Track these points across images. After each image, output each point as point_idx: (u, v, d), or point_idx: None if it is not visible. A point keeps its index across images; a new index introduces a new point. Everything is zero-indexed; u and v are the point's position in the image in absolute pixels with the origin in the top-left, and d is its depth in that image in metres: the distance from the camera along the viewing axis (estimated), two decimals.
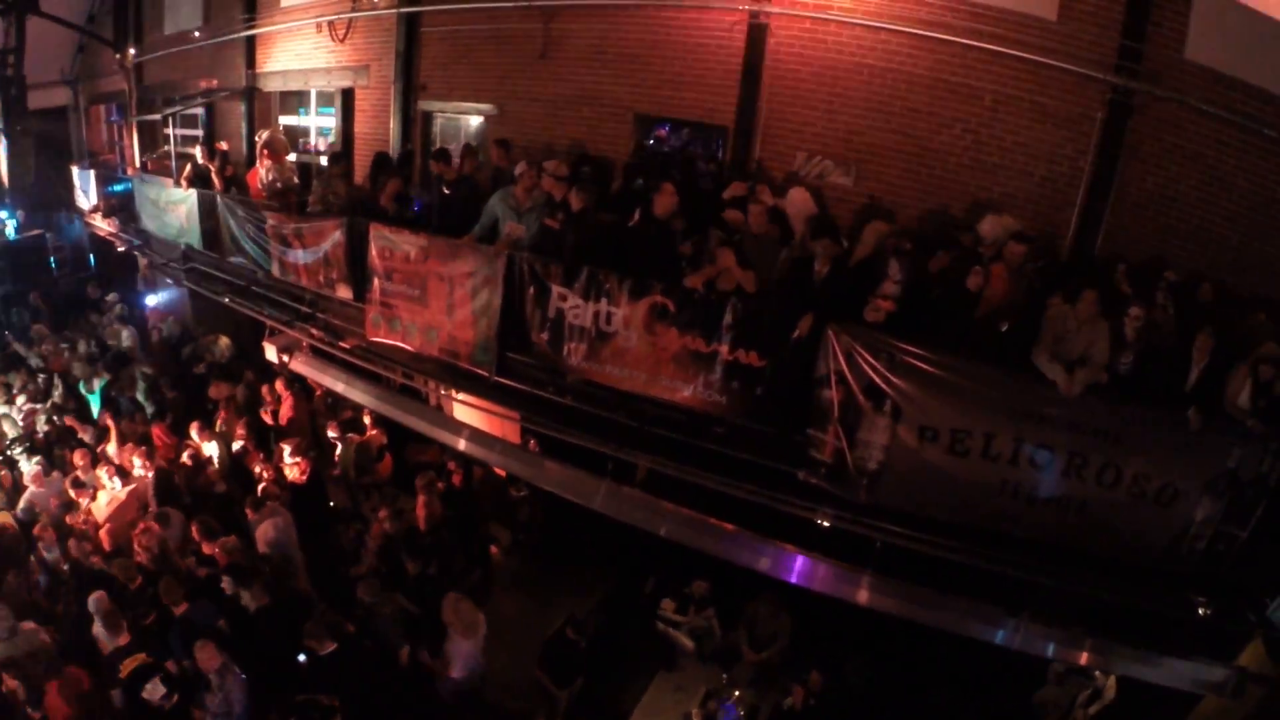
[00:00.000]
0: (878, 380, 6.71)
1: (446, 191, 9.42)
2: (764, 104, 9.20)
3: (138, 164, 15.96)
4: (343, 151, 12.38)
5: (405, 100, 11.87)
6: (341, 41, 12.66)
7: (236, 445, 11.28)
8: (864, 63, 8.78)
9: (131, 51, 15.97)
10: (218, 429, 11.71)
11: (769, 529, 7.53)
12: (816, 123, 9.07)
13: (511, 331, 8.69)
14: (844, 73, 8.86)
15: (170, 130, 16.06)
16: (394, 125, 12.06)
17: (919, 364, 6.57)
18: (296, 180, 12.30)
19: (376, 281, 9.47)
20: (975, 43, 8.39)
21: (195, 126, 15.89)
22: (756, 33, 9.03)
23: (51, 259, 17.18)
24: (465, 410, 9.78)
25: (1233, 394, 6.10)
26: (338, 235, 9.97)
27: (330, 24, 12.65)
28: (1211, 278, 7.87)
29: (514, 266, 8.44)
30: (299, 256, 10.70)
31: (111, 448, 11.25)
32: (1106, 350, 6.40)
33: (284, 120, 14.39)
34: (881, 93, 8.80)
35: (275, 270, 11.19)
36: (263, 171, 12.10)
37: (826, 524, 7.09)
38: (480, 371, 8.95)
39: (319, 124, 14.01)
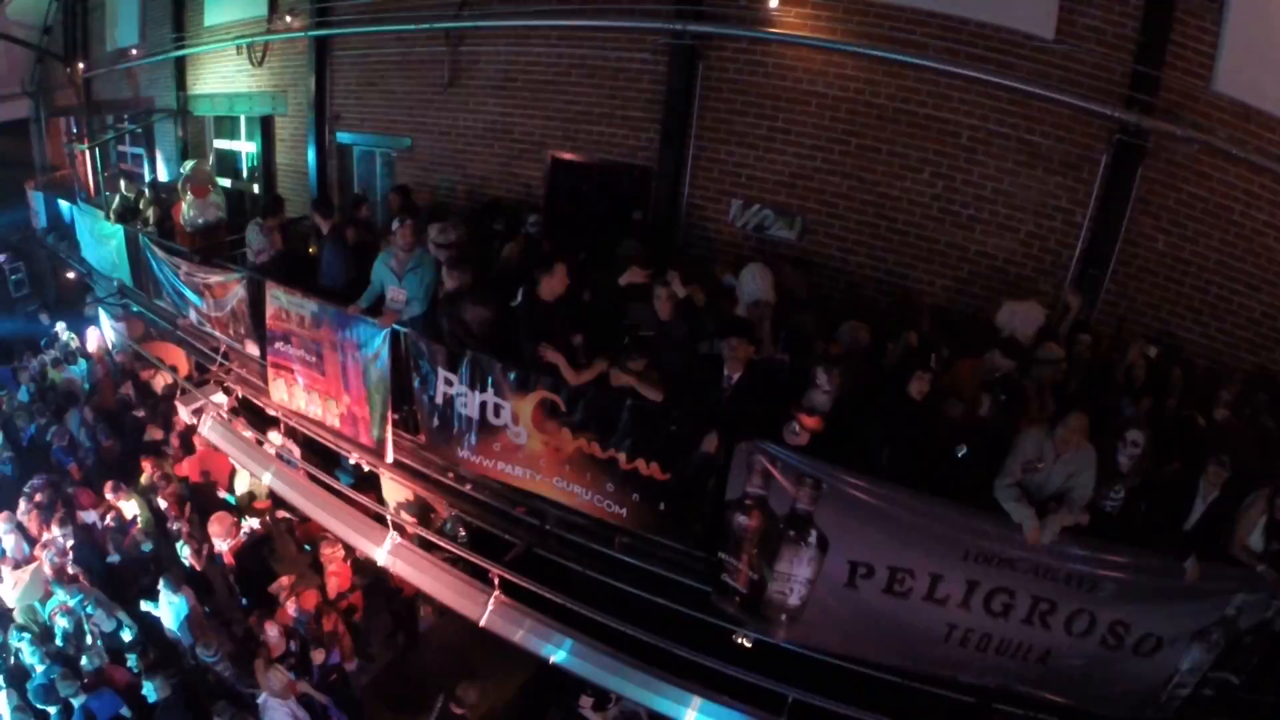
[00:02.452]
0: (801, 508, 4.83)
1: (334, 247, 6.93)
2: (693, 141, 6.62)
3: (90, 183, 13.44)
4: (271, 197, 9.75)
5: (319, 130, 9.35)
6: (259, 65, 10.11)
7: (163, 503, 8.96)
8: (811, 91, 6.22)
9: (81, 66, 13.44)
10: (143, 482, 9.36)
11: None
12: (754, 164, 6.53)
13: (405, 413, 6.54)
14: (787, 103, 6.31)
15: (125, 149, 13.56)
16: (311, 157, 9.54)
17: (852, 492, 4.71)
18: (222, 215, 9.76)
19: (277, 344, 7.25)
20: (950, 67, 5.78)
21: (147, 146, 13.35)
22: (683, 56, 6.46)
23: (12, 279, 14.75)
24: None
25: (1243, 534, 4.36)
26: (240, 291, 7.73)
27: (249, 46, 10.06)
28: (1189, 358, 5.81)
29: (400, 342, 6.22)
30: (211, 307, 8.37)
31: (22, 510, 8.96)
32: (1091, 485, 4.44)
33: (219, 144, 11.84)
34: (833, 128, 6.25)
35: (192, 317, 8.81)
36: (185, 206, 9.58)
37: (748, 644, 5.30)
38: (376, 452, 6.73)
39: (251, 150, 11.44)
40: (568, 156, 7.37)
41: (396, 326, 6.17)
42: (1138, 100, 5.65)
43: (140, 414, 11.02)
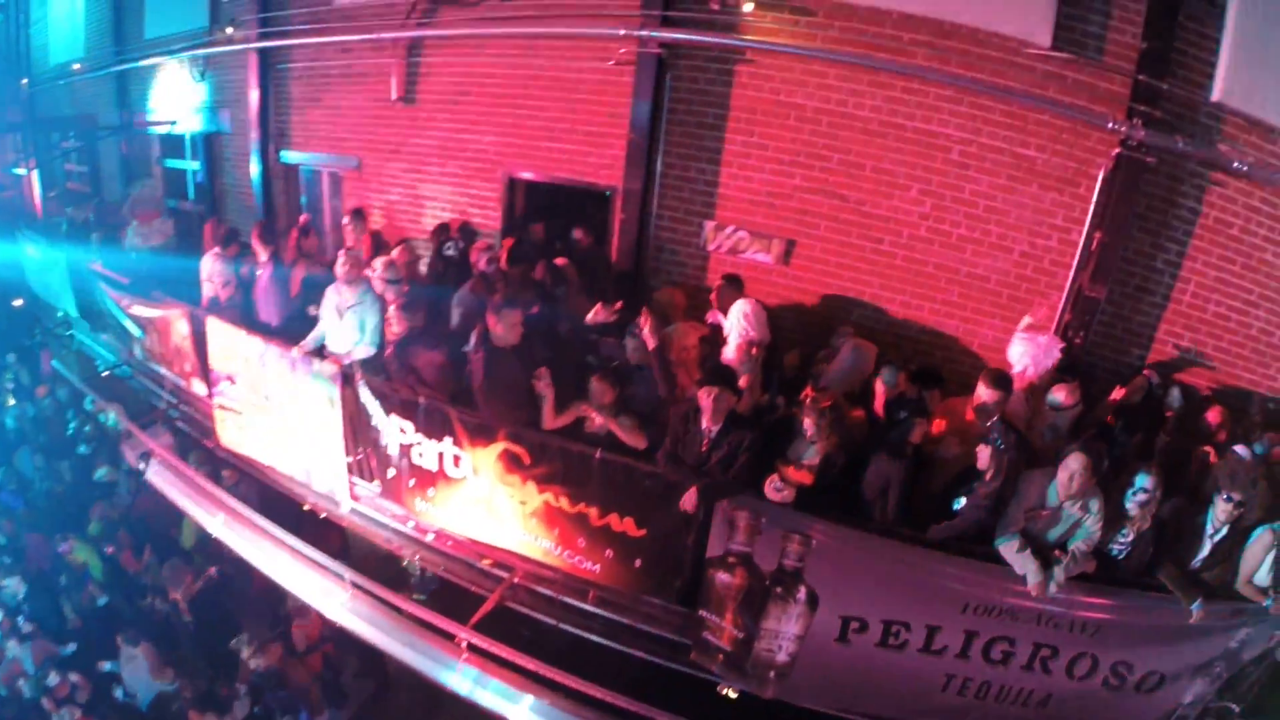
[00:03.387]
0: (789, 564, 4.31)
1: (273, 279, 6.02)
2: (660, 159, 5.80)
3: (38, 205, 12.18)
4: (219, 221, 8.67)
5: (264, 149, 8.33)
6: (202, 80, 9.02)
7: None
8: (790, 103, 5.44)
9: (25, 81, 12.17)
10: (91, 531, 8.35)
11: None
12: (728, 182, 5.73)
13: (361, 458, 5.62)
14: (763, 116, 5.52)
15: (72, 167, 12.34)
16: (256, 178, 8.51)
17: (844, 547, 4.23)
18: (171, 241, 8.68)
19: (223, 384, 6.31)
20: (941, 76, 5.04)
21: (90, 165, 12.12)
22: (648, 67, 5.64)
23: None
24: None
25: (1249, 569, 4.02)
26: (183, 326, 6.73)
27: (190, 60, 8.98)
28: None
29: (350, 386, 5.37)
30: (155, 342, 7.36)
31: None
32: (1099, 531, 4.00)
33: (166, 163, 10.68)
34: (813, 143, 5.47)
35: (137, 352, 7.77)
36: (129, 232, 8.50)
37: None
38: (332, 500, 5.87)
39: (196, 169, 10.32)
40: (526, 176, 6.49)
41: (346, 369, 5.29)
42: (1139, 112, 4.97)
43: (89, 452, 9.96)
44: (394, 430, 5.29)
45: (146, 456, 7.50)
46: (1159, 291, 5.44)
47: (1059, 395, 4.61)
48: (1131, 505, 3.97)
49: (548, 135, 6.19)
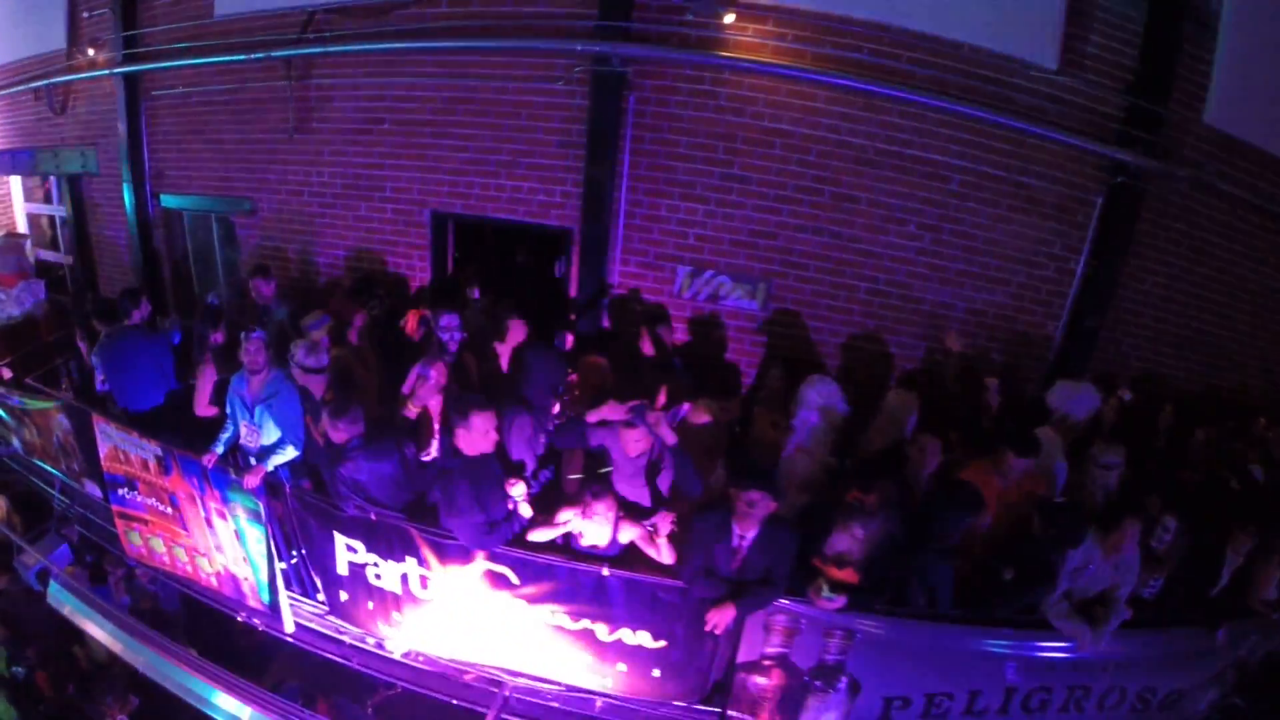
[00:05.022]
0: (831, 660, 3.62)
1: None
2: (624, 195, 4.56)
3: None
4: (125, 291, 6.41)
5: (138, 192, 6.35)
6: (62, 113, 6.88)
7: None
8: (774, 129, 4.34)
9: None
10: None
11: None
12: (704, 221, 4.58)
13: (304, 580, 4.22)
14: (745, 144, 4.41)
15: None
16: (131, 227, 6.49)
17: (890, 635, 3.55)
18: (44, 302, 6.46)
19: (120, 490, 4.64)
20: (945, 103, 4.10)
21: None
22: (609, 87, 4.37)
23: None
24: None
25: (1261, 589, 3.76)
26: (63, 421, 4.96)
27: (48, 90, 6.80)
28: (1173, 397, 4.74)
29: (279, 495, 3.96)
30: (35, 435, 5.40)
31: None
32: (1136, 580, 3.63)
33: (30, 209, 8.29)
34: (802, 174, 4.42)
35: (17, 446, 5.69)
36: None
37: None
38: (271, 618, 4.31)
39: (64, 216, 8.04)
40: (457, 214, 5.05)
41: (271, 480, 3.78)
42: (1136, 138, 4.25)
43: None
44: (341, 551, 3.82)
45: (44, 574, 5.43)
46: (1146, 312, 4.85)
47: (1110, 455, 3.82)
48: (1161, 548, 3.66)
49: (482, 169, 4.78)
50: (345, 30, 5.00)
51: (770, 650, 3.57)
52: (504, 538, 3.47)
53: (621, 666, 3.68)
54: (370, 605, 3.97)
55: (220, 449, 4.01)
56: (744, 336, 4.72)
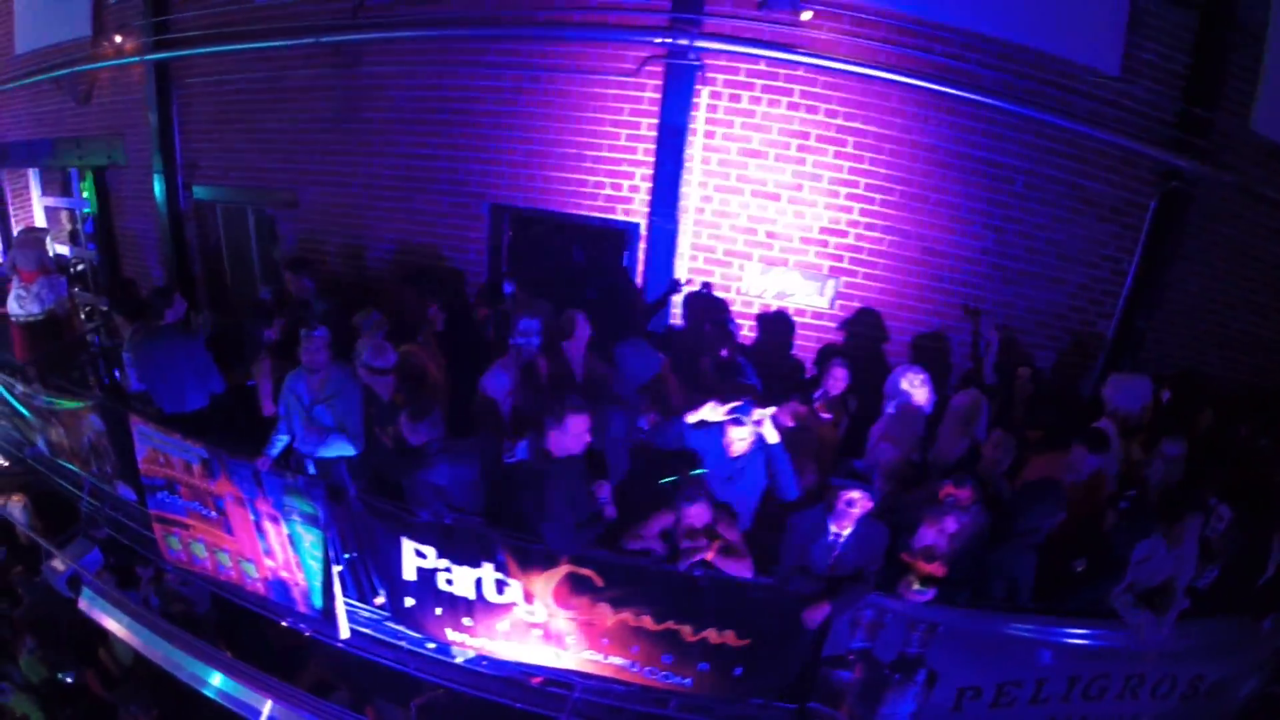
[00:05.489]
0: (912, 652, 3.68)
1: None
2: (695, 190, 4.53)
3: None
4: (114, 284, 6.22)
5: (169, 184, 6.07)
6: (86, 103, 6.54)
7: None
8: (847, 126, 4.37)
9: None
10: (25, 670, 5.63)
11: None
12: (775, 218, 4.56)
13: (362, 584, 4.05)
14: (820, 141, 4.41)
15: None
16: (161, 220, 6.18)
17: (971, 627, 3.61)
18: (64, 302, 6.04)
19: (160, 495, 4.42)
20: (1012, 104, 4.16)
21: None
22: (681, 79, 4.33)
23: None
24: None
25: None
26: (95, 422, 4.70)
27: (70, 79, 6.46)
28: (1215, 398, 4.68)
29: (341, 498, 3.78)
30: (62, 436, 5.11)
31: None
32: (1193, 572, 3.70)
33: (47, 202, 7.87)
34: (874, 173, 4.43)
35: (42, 446, 5.38)
36: (11, 297, 5.81)
37: None
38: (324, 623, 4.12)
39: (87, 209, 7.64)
40: (517, 208, 4.95)
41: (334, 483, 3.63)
42: (1189, 143, 4.39)
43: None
44: (409, 556, 3.68)
45: (76, 581, 5.09)
46: (1193, 314, 4.99)
47: (1173, 447, 3.91)
48: (1216, 538, 3.72)
49: (545, 162, 4.70)
50: (398, 17, 4.89)
51: (856, 645, 3.59)
52: (590, 539, 3.40)
53: (704, 666, 3.61)
54: (439, 611, 3.83)
55: (275, 451, 3.86)
56: (809, 334, 4.73)
